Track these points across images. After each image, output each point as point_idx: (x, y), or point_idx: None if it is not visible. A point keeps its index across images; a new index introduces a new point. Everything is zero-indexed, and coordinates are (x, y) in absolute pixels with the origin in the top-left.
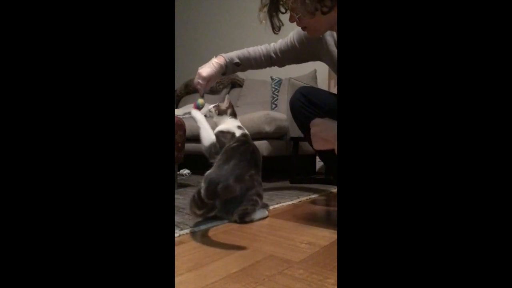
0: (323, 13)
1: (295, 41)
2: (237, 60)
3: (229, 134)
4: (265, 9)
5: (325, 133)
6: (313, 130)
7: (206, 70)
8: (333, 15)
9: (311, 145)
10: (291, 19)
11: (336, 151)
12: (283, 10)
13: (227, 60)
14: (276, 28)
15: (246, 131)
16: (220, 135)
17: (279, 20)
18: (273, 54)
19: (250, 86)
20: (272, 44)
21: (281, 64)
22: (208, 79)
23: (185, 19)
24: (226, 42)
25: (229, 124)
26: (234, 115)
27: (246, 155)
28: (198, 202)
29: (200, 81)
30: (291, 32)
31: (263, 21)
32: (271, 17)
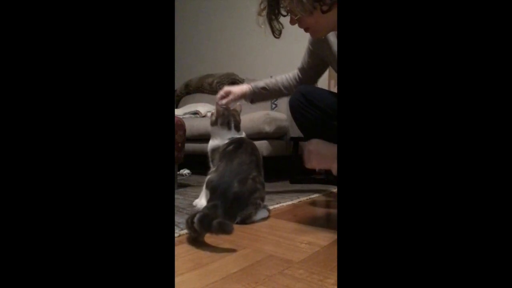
0: (323, 11)
1: (309, 43)
2: (263, 85)
3: (219, 147)
4: (264, 13)
5: (323, 151)
6: (310, 147)
7: (230, 86)
8: (334, 14)
9: (304, 163)
10: (292, 22)
11: (333, 171)
12: (284, 12)
13: (253, 86)
14: (276, 32)
15: (237, 136)
16: (211, 153)
17: (279, 23)
18: (299, 73)
19: None
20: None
21: (309, 80)
22: (229, 92)
23: (185, 19)
24: (226, 42)
25: (217, 141)
26: (227, 125)
27: (245, 157)
28: (192, 228)
29: (221, 92)
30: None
31: (262, 25)
32: (270, 21)
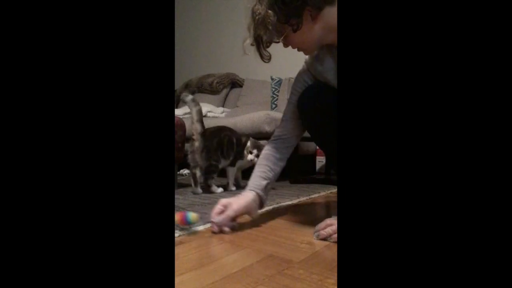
0: (294, 31)
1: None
2: (266, 181)
3: None
4: (249, 41)
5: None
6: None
7: (236, 200)
8: (315, 30)
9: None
10: (285, 45)
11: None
12: (276, 39)
13: (257, 191)
14: (265, 58)
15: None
16: None
17: (267, 51)
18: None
19: (250, 86)
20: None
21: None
22: (226, 205)
23: (185, 19)
24: (226, 42)
25: None
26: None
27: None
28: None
29: (219, 206)
30: None
31: (249, 53)
32: (259, 49)
